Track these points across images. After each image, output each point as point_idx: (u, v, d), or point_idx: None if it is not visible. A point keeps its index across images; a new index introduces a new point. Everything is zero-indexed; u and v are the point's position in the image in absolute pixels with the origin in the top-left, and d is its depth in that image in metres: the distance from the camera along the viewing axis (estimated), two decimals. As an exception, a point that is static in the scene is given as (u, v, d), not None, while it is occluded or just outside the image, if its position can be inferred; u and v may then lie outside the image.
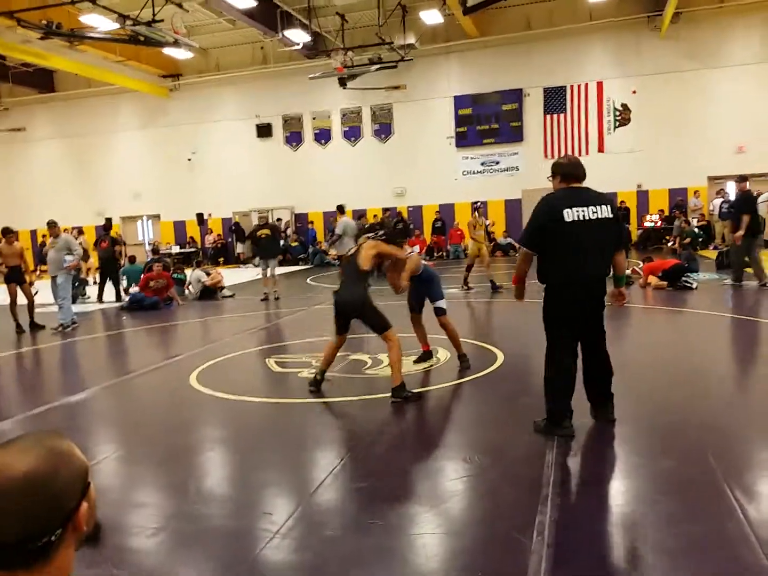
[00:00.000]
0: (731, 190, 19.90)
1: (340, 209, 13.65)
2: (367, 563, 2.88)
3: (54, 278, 10.27)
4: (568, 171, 4.18)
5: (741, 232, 10.50)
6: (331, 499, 3.60)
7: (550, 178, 4.29)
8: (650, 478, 3.59)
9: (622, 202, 19.86)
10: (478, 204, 12.16)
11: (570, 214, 3.98)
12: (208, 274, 13.73)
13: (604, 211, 4.06)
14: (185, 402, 5.75)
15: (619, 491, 3.52)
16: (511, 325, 8.94)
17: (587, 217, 3.99)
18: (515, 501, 3.38)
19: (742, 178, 11.02)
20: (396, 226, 20.95)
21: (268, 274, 12.46)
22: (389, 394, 5.18)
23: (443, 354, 6.70)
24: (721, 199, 18.71)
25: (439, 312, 6.11)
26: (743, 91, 19.26)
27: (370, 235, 5.57)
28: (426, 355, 6.41)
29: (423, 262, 6.25)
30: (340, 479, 3.82)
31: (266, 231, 12.65)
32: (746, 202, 10.78)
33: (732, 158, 19.41)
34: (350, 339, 7.71)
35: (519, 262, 4.31)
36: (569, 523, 3.10)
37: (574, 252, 4.01)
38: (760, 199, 17.34)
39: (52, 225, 10.58)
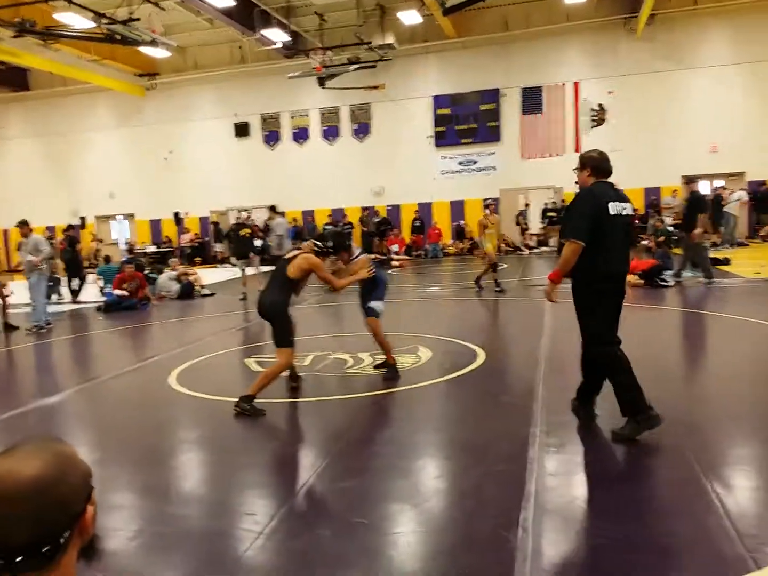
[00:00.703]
0: (704, 189, 20.24)
1: (273, 209, 13.35)
2: (352, 563, 2.87)
3: (28, 279, 10.10)
4: (600, 165, 4.15)
5: (700, 230, 10.81)
6: (315, 499, 3.59)
7: (576, 171, 4.26)
8: (631, 475, 3.63)
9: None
10: (489, 201, 11.72)
11: (613, 208, 4.00)
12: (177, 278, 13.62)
13: (629, 209, 4.15)
14: (165, 403, 5.69)
15: (601, 488, 3.55)
16: (491, 323, 8.99)
17: (621, 212, 4.04)
18: (499, 498, 3.39)
19: (691, 180, 11.46)
20: (379, 227, 21.03)
21: (248, 273, 12.37)
22: (373, 392, 5.18)
23: (425, 353, 6.71)
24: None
25: (369, 312, 5.85)
26: (717, 91, 19.57)
27: (315, 247, 5.41)
28: (386, 364, 6.03)
29: (370, 262, 5.94)
30: (323, 479, 3.80)
31: (248, 230, 12.55)
32: (699, 202, 11.15)
33: (706, 157, 19.72)
34: (332, 338, 7.69)
35: (568, 257, 4.02)
36: (553, 520, 3.12)
37: (613, 246, 4.01)
38: (731, 198, 17.70)
39: (22, 225, 10.31)
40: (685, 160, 19.81)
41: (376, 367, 6.20)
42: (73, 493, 1.06)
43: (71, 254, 13.92)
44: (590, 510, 3.24)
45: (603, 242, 3.96)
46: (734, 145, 19.36)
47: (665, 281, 10.95)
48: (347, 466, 3.98)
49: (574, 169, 4.29)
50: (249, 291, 12.25)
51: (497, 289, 11.35)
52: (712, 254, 13.73)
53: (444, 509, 3.38)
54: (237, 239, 12.63)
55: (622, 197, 4.12)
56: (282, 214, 13.49)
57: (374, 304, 5.84)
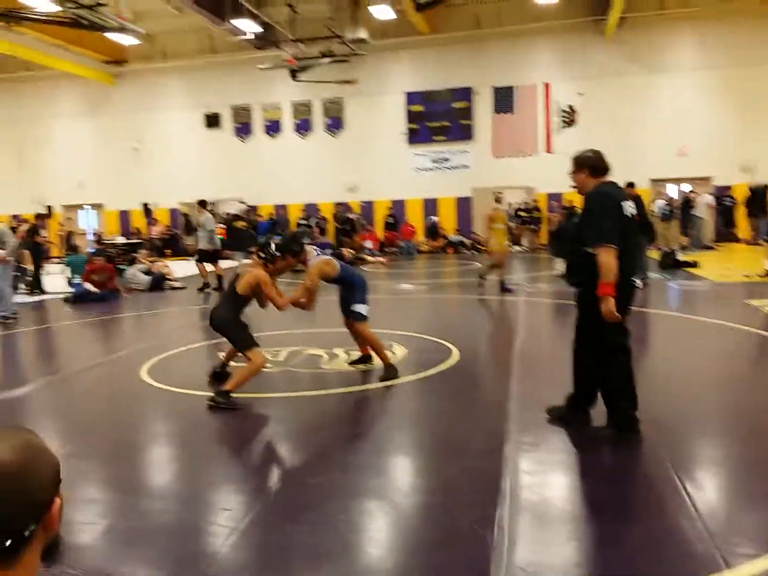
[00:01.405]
0: (672, 192, 20.66)
1: (203, 204, 13.08)
2: (329, 559, 2.86)
3: None
4: (597, 164, 4.02)
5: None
6: (290, 495, 3.56)
7: (572, 174, 4.09)
8: (605, 473, 3.69)
9: (570, 201, 20.32)
10: (498, 193, 11.31)
11: (626, 208, 3.90)
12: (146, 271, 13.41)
13: (633, 208, 4.04)
14: (136, 396, 5.60)
15: (575, 485, 3.60)
16: (467, 321, 9.04)
17: (633, 213, 3.95)
18: (474, 495, 3.42)
19: (630, 185, 11.73)
20: (343, 224, 20.92)
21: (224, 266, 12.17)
22: (347, 389, 5.17)
23: (399, 350, 6.72)
24: (663, 201, 19.39)
25: (356, 317, 5.70)
26: (684, 96, 19.97)
27: (261, 255, 5.28)
28: (364, 359, 6.11)
29: (337, 263, 5.72)
30: (299, 475, 3.79)
31: (243, 223, 12.33)
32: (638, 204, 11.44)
33: (673, 161, 20.12)
34: (306, 333, 7.66)
35: (608, 264, 3.71)
36: (528, 517, 3.15)
37: (628, 247, 3.90)
38: (699, 201, 18.08)
39: None
40: (653, 164, 20.17)
41: (351, 363, 6.15)
42: (41, 483, 1.01)
43: (30, 243, 13.49)
44: (565, 508, 3.28)
45: (622, 244, 3.79)
46: (701, 149, 19.78)
47: (633, 282, 11.13)
48: (322, 462, 3.97)
49: (569, 173, 4.12)
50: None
51: (506, 287, 10.70)
52: (681, 257, 14.05)
53: (419, 506, 3.39)
54: (233, 232, 12.35)
55: (628, 197, 4.05)
56: (211, 209, 13.00)
57: (360, 308, 5.67)
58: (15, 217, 20.02)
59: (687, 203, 17.91)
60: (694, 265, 13.47)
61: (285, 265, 5.39)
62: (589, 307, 3.91)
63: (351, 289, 5.72)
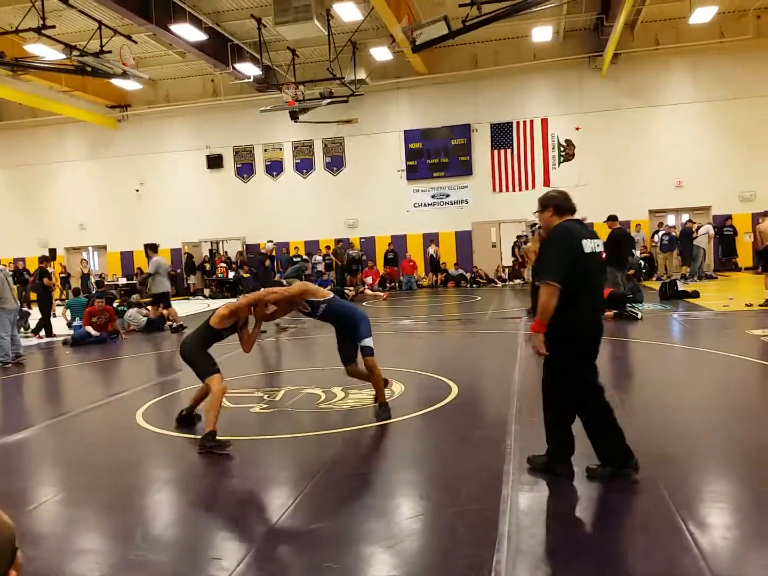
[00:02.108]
0: (672, 222, 20.73)
1: (152, 248, 13.10)
2: (322, 608, 2.79)
3: None
4: (562, 204, 4.00)
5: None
6: (285, 542, 3.49)
7: (537, 213, 4.09)
8: (605, 512, 3.60)
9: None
10: (538, 226, 11.34)
11: (587, 246, 3.82)
12: (141, 308, 13.46)
13: (601, 245, 3.98)
14: (131, 441, 5.55)
15: (574, 526, 3.51)
16: (465, 356, 8.98)
17: (594, 250, 3.87)
18: (472, 539, 3.34)
19: (612, 218, 12.15)
20: (350, 265, 21.03)
21: None
22: (344, 428, 5.12)
23: (397, 387, 6.67)
24: (663, 232, 19.44)
25: (366, 351, 5.51)
26: (680, 128, 20.20)
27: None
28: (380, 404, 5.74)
29: (329, 294, 5.64)
30: (293, 520, 3.71)
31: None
32: (618, 238, 11.92)
33: (672, 192, 20.28)
34: (304, 372, 7.61)
35: (546, 302, 3.71)
36: (526, 561, 3.07)
37: (590, 286, 3.83)
38: (700, 231, 18.13)
39: None
40: (651, 195, 20.33)
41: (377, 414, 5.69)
42: None
43: (39, 288, 13.56)
44: (564, 550, 3.20)
45: (580, 282, 3.75)
46: (699, 180, 19.95)
47: (634, 313, 11.09)
48: (318, 506, 3.89)
49: (534, 212, 4.13)
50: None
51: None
52: (681, 287, 14.02)
53: (417, 551, 3.31)
54: (265, 271, 12.64)
55: (592, 234, 3.95)
56: (156, 251, 13.08)
57: (368, 341, 5.51)
58: (18, 260, 20.10)
59: (687, 233, 17.94)
60: (695, 295, 13.43)
61: (263, 310, 5.45)
62: (549, 343, 3.83)
63: (354, 325, 5.55)
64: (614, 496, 3.76)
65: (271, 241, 13.55)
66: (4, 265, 12.57)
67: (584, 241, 3.79)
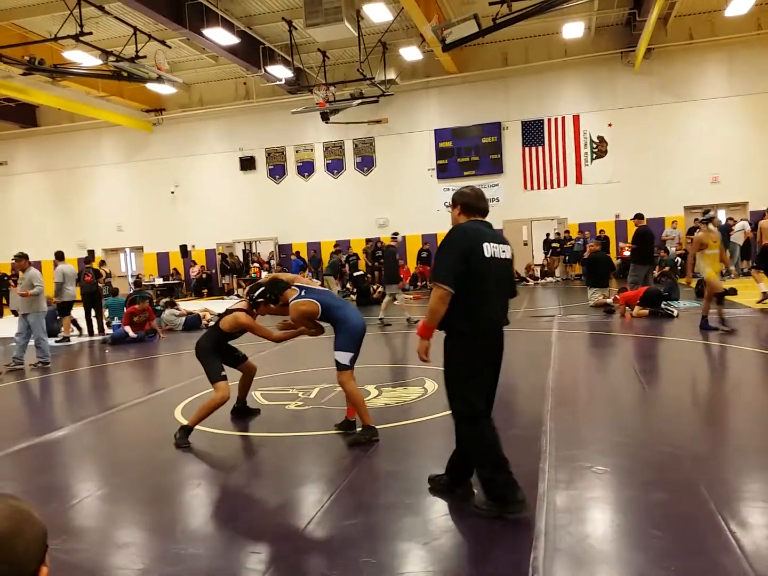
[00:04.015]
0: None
1: (59, 256, 12.85)
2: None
3: (24, 316, 9.72)
4: (471, 202, 3.65)
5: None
6: (322, 537, 3.54)
7: (449, 207, 3.75)
8: (644, 512, 3.56)
9: (601, 231, 20.18)
10: (712, 213, 10.13)
11: (488, 249, 3.47)
12: (175, 308, 13.72)
13: (508, 253, 3.64)
14: (171, 437, 5.65)
15: (612, 526, 3.48)
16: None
17: (498, 256, 3.53)
18: (509, 537, 3.34)
19: (639, 216, 12.20)
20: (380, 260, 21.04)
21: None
22: (378, 426, 5.14)
23: (431, 385, 6.68)
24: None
25: (336, 365, 5.05)
26: (716, 123, 19.79)
27: (249, 299, 5.47)
28: (346, 425, 5.36)
29: (319, 304, 5.09)
30: (329, 516, 3.76)
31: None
32: (639, 236, 11.99)
33: (707, 188, 19.89)
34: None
35: (435, 306, 3.42)
36: (564, 559, 3.07)
37: (488, 294, 3.50)
38: (736, 228, 17.74)
39: (19, 258, 9.67)
40: (686, 191, 19.96)
41: (336, 425, 5.45)
42: (29, 550, 1.00)
43: (95, 287, 13.72)
44: (602, 548, 3.19)
45: (476, 288, 3.45)
46: (735, 175, 19.53)
47: (670, 311, 10.92)
48: (354, 502, 3.93)
49: (445, 204, 3.92)
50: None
51: (723, 328, 9.04)
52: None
53: (453, 548, 3.33)
54: (393, 262, 12.91)
55: (500, 239, 3.62)
56: (63, 259, 12.93)
57: (339, 355, 5.01)
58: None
59: (725, 230, 17.56)
60: (732, 292, 13.15)
61: (266, 310, 5.47)
62: (445, 354, 3.60)
63: (337, 333, 5.08)
64: (652, 495, 3.72)
65: (397, 234, 13.66)
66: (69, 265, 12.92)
67: (485, 245, 3.46)
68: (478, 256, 3.43)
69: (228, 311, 5.66)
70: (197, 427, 5.48)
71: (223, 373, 5.47)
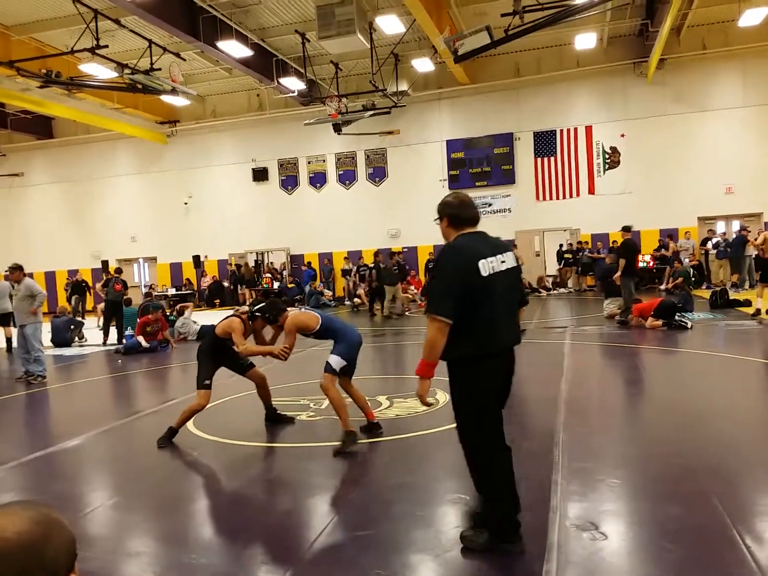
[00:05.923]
0: (721, 229, 20.20)
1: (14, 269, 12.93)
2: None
3: (22, 327, 9.42)
4: (457, 213, 3.31)
5: (618, 274, 11.78)
6: (332, 548, 3.53)
7: (438, 222, 3.39)
8: (657, 525, 3.53)
9: (614, 242, 20.07)
10: None
11: (485, 267, 3.14)
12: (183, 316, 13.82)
13: (511, 260, 3.31)
14: (183, 447, 5.68)
15: (626, 538, 3.45)
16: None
17: (498, 269, 3.20)
18: (521, 549, 3.32)
19: (626, 228, 12.20)
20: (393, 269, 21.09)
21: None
22: (390, 437, 5.14)
23: (442, 396, 6.66)
24: (717, 239, 18.95)
25: (325, 366, 5.32)
26: (729, 133, 19.70)
27: (249, 310, 5.80)
28: (371, 426, 5.61)
29: (320, 318, 5.47)
30: (340, 527, 3.75)
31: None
32: (626, 248, 12.03)
33: (721, 198, 19.77)
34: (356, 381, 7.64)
35: (434, 339, 3.11)
36: (576, 572, 3.05)
37: (491, 313, 3.17)
38: (751, 238, 17.59)
39: (13, 270, 9.34)
40: (700, 202, 19.86)
41: (361, 428, 5.58)
42: (58, 557, 1.01)
43: (121, 297, 13.63)
44: (615, 561, 3.16)
45: (473, 311, 3.13)
46: (750, 186, 19.41)
47: (684, 323, 10.84)
48: (364, 514, 3.93)
49: (434, 220, 3.41)
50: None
51: None
52: (732, 296, 13.65)
53: (466, 560, 3.31)
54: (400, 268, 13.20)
55: (499, 247, 3.30)
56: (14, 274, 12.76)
57: (332, 359, 5.29)
58: (71, 272, 20.84)
59: (740, 241, 17.44)
60: (746, 303, 13.04)
61: (261, 325, 5.75)
62: (451, 384, 3.31)
63: (336, 342, 5.39)
64: (665, 507, 3.69)
65: (378, 254, 14.18)
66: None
67: (481, 264, 3.12)
68: (474, 280, 3.10)
69: (228, 316, 5.85)
70: (210, 437, 5.50)
71: (207, 381, 5.65)
